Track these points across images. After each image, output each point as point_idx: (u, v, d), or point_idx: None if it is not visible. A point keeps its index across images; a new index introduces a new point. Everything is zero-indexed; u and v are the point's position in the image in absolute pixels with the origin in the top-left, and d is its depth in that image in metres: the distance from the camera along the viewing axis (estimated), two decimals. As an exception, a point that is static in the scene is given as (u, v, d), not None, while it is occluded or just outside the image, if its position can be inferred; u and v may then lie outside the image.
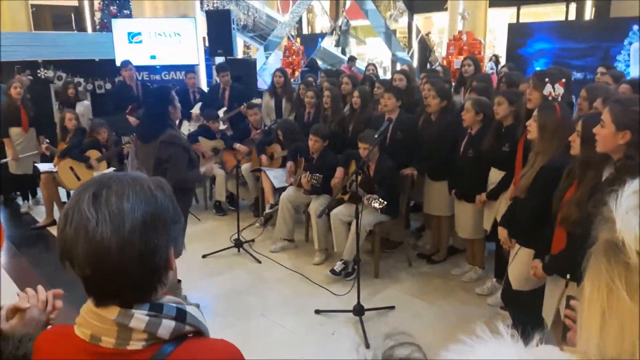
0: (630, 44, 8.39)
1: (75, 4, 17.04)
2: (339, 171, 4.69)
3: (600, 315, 0.66)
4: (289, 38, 13.27)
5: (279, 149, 5.70)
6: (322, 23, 20.15)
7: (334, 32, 16.70)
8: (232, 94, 6.93)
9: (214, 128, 6.14)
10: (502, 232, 3.20)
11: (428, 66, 12.19)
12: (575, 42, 9.16)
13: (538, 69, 8.81)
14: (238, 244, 5.03)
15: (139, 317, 0.92)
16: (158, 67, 8.33)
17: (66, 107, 6.74)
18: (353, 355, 3.38)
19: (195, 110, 6.83)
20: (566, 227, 2.37)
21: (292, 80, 9.10)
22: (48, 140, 6.13)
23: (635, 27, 8.43)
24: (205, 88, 8.34)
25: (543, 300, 2.75)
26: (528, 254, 2.90)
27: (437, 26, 17.93)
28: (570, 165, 2.45)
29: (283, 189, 5.32)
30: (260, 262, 4.84)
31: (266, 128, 5.82)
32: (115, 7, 13.24)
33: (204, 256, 4.93)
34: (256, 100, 6.34)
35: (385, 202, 3.93)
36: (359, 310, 3.71)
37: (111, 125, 6.08)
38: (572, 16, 13.61)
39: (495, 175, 3.87)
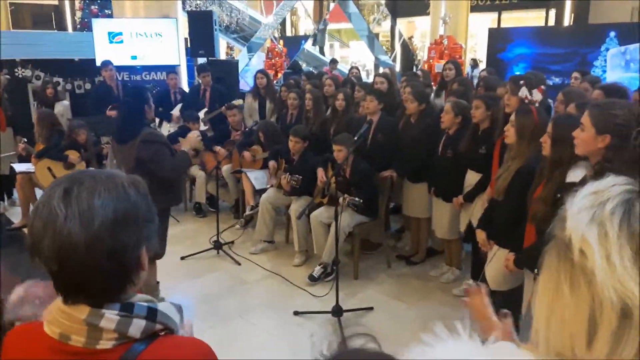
0: (607, 50, 8.56)
1: (56, 2, 16.86)
2: (320, 172, 4.70)
3: (546, 309, 0.69)
4: (272, 40, 13.28)
5: (259, 151, 5.69)
6: (306, 25, 20.20)
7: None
8: (213, 95, 6.91)
9: (194, 129, 6.10)
10: (481, 234, 3.24)
11: (414, 69, 12.32)
12: (554, 47, 9.32)
13: (518, 73, 8.95)
14: (217, 245, 5.01)
15: (110, 317, 0.92)
16: (139, 67, 8.27)
17: (45, 107, 6.66)
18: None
19: (176, 111, 6.80)
20: (535, 223, 2.43)
21: (274, 82, 9.10)
22: (25, 140, 6.04)
23: (612, 34, 8.62)
24: (186, 89, 8.31)
25: (518, 301, 2.80)
26: (506, 254, 2.94)
27: (419, 30, 18.09)
28: (541, 165, 2.50)
29: (263, 190, 5.31)
30: (239, 263, 4.82)
31: (247, 129, 5.80)
32: (96, 7, 13.13)
33: (182, 258, 4.89)
34: (236, 102, 6.32)
35: (361, 200, 3.95)
36: (337, 312, 3.73)
37: (90, 126, 6.01)
38: (551, 22, 13.85)
39: (471, 178, 3.92)
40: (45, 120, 5.89)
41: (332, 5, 16.02)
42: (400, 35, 15.08)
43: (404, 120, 4.73)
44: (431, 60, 10.20)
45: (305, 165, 4.83)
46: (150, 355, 0.93)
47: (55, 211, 0.88)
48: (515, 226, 2.78)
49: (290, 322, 3.82)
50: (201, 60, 8.55)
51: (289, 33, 19.05)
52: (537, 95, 2.89)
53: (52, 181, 0.96)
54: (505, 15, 15.40)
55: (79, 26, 15.13)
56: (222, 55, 13.65)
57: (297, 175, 4.63)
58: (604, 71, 8.53)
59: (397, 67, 13.72)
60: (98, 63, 7.54)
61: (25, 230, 5.71)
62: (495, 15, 15.53)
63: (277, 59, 12.21)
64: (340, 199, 4.00)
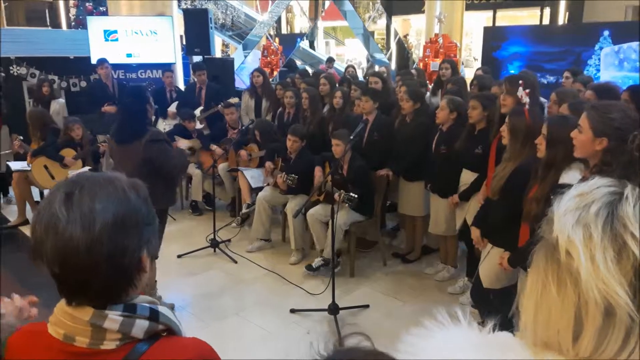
0: (601, 49, 8.61)
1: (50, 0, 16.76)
2: (318, 170, 4.73)
3: (534, 306, 0.73)
4: (267, 38, 13.27)
5: (256, 149, 5.71)
6: (301, 23, 20.18)
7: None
8: (209, 93, 6.91)
9: (190, 127, 6.12)
10: (475, 232, 3.28)
11: (412, 66, 12.34)
12: (549, 46, 9.37)
13: (512, 71, 9.00)
14: (214, 244, 5.03)
15: (113, 318, 0.93)
16: (134, 65, 8.25)
17: (41, 105, 6.65)
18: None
19: (172, 109, 6.80)
20: (528, 222, 2.47)
21: (270, 79, 9.11)
22: (22, 138, 6.03)
23: (606, 33, 8.67)
24: (182, 87, 8.30)
25: (511, 299, 2.83)
26: (500, 253, 2.99)
27: (414, 28, 18.11)
28: (535, 166, 2.54)
29: (260, 188, 5.33)
30: (236, 262, 4.85)
31: (243, 128, 5.81)
32: (91, 4, 13.08)
33: (179, 256, 4.91)
34: (233, 100, 6.33)
35: (356, 196, 3.98)
36: (333, 309, 3.75)
37: (86, 124, 6.00)
38: (546, 20, 13.90)
39: (466, 177, 3.95)
40: (36, 119, 5.88)
41: (327, 3, 16.03)
42: (396, 34, 15.10)
43: (399, 120, 4.76)
44: (426, 59, 10.23)
45: (302, 164, 4.85)
46: (153, 356, 0.94)
47: (56, 215, 0.90)
48: (509, 226, 2.82)
49: (286, 320, 3.85)
50: (197, 59, 8.55)
51: (284, 31, 19.05)
52: (525, 98, 2.93)
53: (54, 185, 0.98)
54: (500, 13, 15.45)
55: (73, 23, 15.08)
56: (218, 53, 13.64)
57: (293, 175, 4.65)
58: (598, 70, 8.59)
59: (393, 65, 13.76)
60: (93, 61, 7.54)
61: (22, 228, 5.73)
62: (490, 13, 15.57)
63: (272, 56, 12.21)
64: (336, 195, 4.03)
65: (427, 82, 7.29)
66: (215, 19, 12.53)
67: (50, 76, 7.74)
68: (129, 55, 8.11)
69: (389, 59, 14.30)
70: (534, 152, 2.62)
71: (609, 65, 8.25)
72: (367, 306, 4.00)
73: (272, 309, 4.02)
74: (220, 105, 6.32)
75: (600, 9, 11.51)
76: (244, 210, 5.64)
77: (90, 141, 5.99)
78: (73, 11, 15.47)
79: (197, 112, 6.61)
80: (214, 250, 5.01)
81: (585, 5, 12.30)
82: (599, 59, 8.61)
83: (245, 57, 12.01)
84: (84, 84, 8.16)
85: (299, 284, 4.37)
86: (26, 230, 5.74)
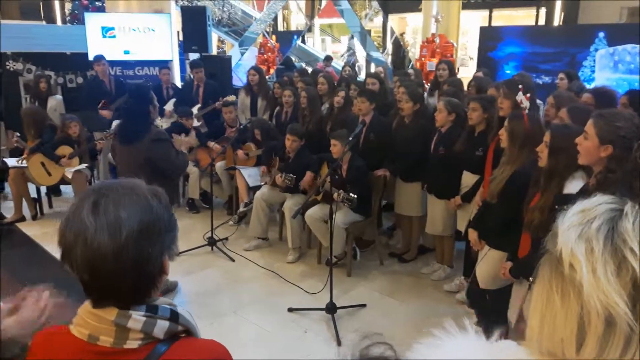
0: (596, 50, 8.67)
1: (45, -7, 16.63)
2: (308, 175, 4.77)
3: (539, 316, 0.77)
4: (264, 35, 13.24)
5: (253, 148, 5.73)
6: (298, 20, 20.16)
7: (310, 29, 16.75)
8: (207, 90, 6.92)
9: (188, 125, 6.11)
10: (472, 234, 3.32)
11: (409, 65, 12.37)
12: (544, 46, 9.41)
13: (508, 72, 9.05)
14: (211, 242, 5.05)
15: (136, 318, 0.98)
16: (131, 62, 8.24)
17: (38, 101, 6.63)
18: (325, 351, 3.46)
19: (169, 106, 6.80)
20: (530, 231, 2.50)
21: (267, 77, 9.11)
22: (19, 134, 6.02)
23: (602, 34, 8.72)
24: (179, 84, 8.30)
25: (506, 300, 2.88)
26: (497, 254, 3.04)
27: (411, 26, 18.13)
28: (536, 174, 2.57)
29: (257, 187, 5.35)
30: (233, 260, 4.87)
31: (241, 126, 5.83)
32: (86, -1, 12.98)
33: (177, 254, 4.91)
34: (231, 98, 6.34)
35: (355, 197, 4.02)
36: (331, 308, 3.79)
37: (83, 121, 5.99)
38: (542, 20, 13.96)
39: (468, 179, 3.99)
40: (31, 117, 5.87)
41: (324, 1, 16.02)
42: (393, 32, 15.12)
43: (397, 121, 4.78)
44: (423, 59, 10.26)
45: (300, 164, 4.87)
46: (172, 356, 0.99)
47: (85, 223, 0.94)
48: (506, 229, 2.85)
49: (284, 319, 3.88)
50: (193, 56, 8.53)
51: (280, 28, 19.01)
52: (525, 102, 2.96)
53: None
54: (496, 12, 15.50)
55: (68, 18, 14.98)
56: (213, 50, 13.61)
57: (290, 175, 4.68)
58: (593, 71, 8.64)
59: (388, 62, 13.77)
60: (91, 57, 7.51)
61: (19, 225, 5.72)
62: (486, 12, 15.62)
63: (269, 54, 12.19)
64: (335, 195, 4.06)
65: (424, 82, 7.32)
66: (212, 15, 12.50)
67: (47, 72, 7.71)
68: (126, 52, 8.10)
69: (385, 56, 14.31)
70: (532, 157, 2.65)
71: (604, 67, 8.31)
72: (364, 305, 4.04)
73: (269, 307, 4.05)
74: (218, 103, 6.33)
75: (595, 11, 11.57)
76: (241, 209, 5.66)
77: (87, 138, 5.98)
78: (68, 5, 15.37)
79: (195, 109, 6.62)
80: (212, 249, 5.03)
81: (581, 6, 12.36)
82: (594, 61, 8.67)
83: (242, 54, 12.00)
84: (80, 80, 8.14)
85: (297, 283, 4.40)
86: (23, 227, 5.74)
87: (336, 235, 4.22)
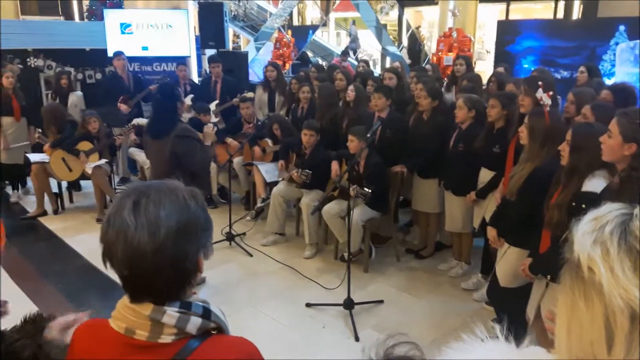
0: (617, 44, 8.54)
1: (62, -11, 16.83)
2: (335, 164, 4.77)
3: (566, 323, 0.79)
4: (279, 30, 13.25)
5: (270, 144, 5.76)
6: (313, 14, 20.12)
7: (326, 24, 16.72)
8: (224, 86, 6.96)
9: (205, 121, 6.16)
10: (492, 232, 3.31)
11: (421, 60, 12.30)
12: (563, 40, 9.30)
13: (526, 66, 8.95)
14: (230, 237, 5.10)
15: (171, 314, 1.02)
16: (149, 58, 8.32)
17: (59, 97, 6.73)
18: (343, 346, 3.49)
19: (187, 101, 6.85)
20: (550, 229, 2.50)
21: (283, 72, 9.14)
22: (40, 130, 6.12)
23: (622, 28, 8.59)
24: (196, 79, 8.36)
25: (527, 298, 2.87)
26: (516, 252, 3.03)
27: (427, 20, 18.01)
28: (558, 172, 2.57)
29: (274, 183, 5.39)
30: (251, 255, 4.92)
31: (259, 122, 5.86)
32: (105, -5, 13.11)
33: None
34: (249, 94, 6.38)
35: (370, 191, 4.03)
36: (349, 304, 3.82)
37: (102, 117, 6.08)
38: (560, 14, 13.77)
39: (485, 175, 3.97)
40: (51, 114, 5.97)
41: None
42: (409, 26, 15.03)
43: (415, 117, 4.77)
44: (440, 53, 10.20)
45: (317, 159, 4.89)
46: (204, 352, 1.03)
47: (126, 222, 0.99)
48: (526, 226, 2.85)
49: (302, 314, 3.92)
50: (210, 52, 8.59)
51: (295, 22, 19.00)
52: (546, 100, 2.95)
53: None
54: (514, 5, 15.32)
55: (86, 14, 15.15)
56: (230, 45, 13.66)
57: (307, 170, 4.70)
58: (613, 65, 8.52)
59: (405, 58, 13.70)
60: (110, 53, 7.61)
61: (40, 219, 5.84)
62: (503, 6, 15.45)
63: (285, 49, 12.20)
64: (350, 190, 4.07)
65: (442, 77, 7.28)
66: (228, 10, 12.54)
67: (66, 68, 7.82)
68: (144, 48, 8.17)
69: (401, 50, 14.24)
70: (553, 154, 2.64)
71: (625, 61, 8.18)
72: (381, 301, 4.06)
73: (287, 302, 4.09)
74: (236, 99, 6.37)
75: (615, 4, 11.36)
76: (258, 205, 5.70)
77: (106, 134, 6.07)
78: (86, 2, 15.54)
79: (213, 105, 6.66)
80: (230, 244, 5.08)
81: (600, -1, 12.15)
82: (614, 54, 8.55)
83: (258, 49, 12.03)
84: (99, 76, 8.24)
85: (314, 279, 4.43)
86: (45, 221, 5.85)
87: (353, 231, 4.24)
